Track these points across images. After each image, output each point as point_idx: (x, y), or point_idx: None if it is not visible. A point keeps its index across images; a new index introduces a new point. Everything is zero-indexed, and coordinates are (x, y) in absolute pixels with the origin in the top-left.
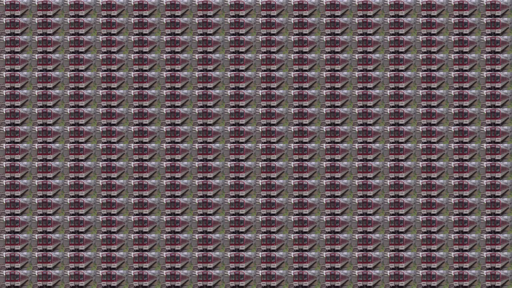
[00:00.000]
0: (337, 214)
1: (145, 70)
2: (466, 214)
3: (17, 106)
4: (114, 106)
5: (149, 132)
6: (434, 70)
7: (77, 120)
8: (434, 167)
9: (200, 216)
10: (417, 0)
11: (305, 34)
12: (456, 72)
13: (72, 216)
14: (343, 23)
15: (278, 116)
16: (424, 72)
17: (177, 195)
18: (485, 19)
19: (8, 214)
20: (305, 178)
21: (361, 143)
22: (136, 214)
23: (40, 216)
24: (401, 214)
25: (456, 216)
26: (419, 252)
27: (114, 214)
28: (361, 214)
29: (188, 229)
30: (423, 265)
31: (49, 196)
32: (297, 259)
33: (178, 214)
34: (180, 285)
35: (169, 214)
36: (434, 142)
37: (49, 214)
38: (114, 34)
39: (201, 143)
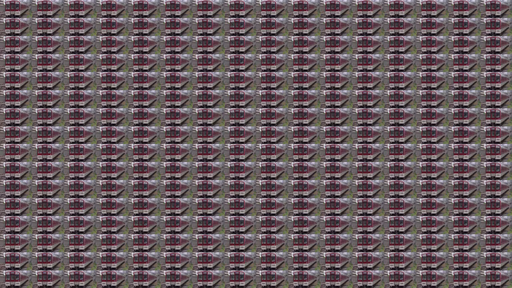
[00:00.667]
0: (337, 214)
1: (145, 70)
2: (466, 214)
3: (17, 106)
4: (114, 106)
5: (149, 132)
6: (434, 70)
7: (77, 120)
8: (434, 167)
9: (200, 216)
10: (417, 0)
11: (305, 34)
12: (456, 72)
13: (72, 216)
14: (343, 23)
15: (278, 116)
16: (424, 72)
17: (177, 195)
18: (485, 19)
19: (8, 214)
20: (305, 178)
21: (361, 143)
22: (136, 214)
23: (40, 216)
24: (401, 214)
25: (456, 216)
26: (419, 252)
27: (114, 214)
28: (361, 214)
29: (188, 229)
30: (423, 265)
31: (49, 196)
32: (297, 259)
33: (178, 214)
34: (180, 285)
35: (169, 214)
36: (434, 142)
37: (49, 214)
38: (114, 34)
39: (201, 143)
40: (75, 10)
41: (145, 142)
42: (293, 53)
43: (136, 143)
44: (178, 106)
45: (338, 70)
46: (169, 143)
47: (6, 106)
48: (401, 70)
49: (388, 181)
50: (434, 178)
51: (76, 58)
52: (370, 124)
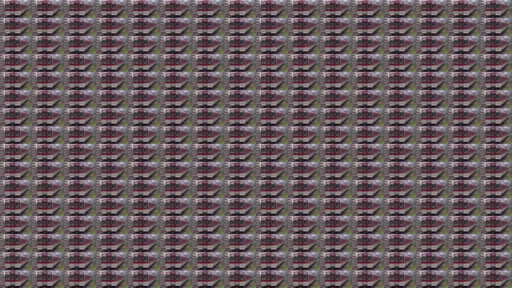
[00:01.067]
0: (337, 214)
1: (145, 70)
2: (466, 214)
3: (17, 106)
4: (114, 106)
5: (149, 132)
6: (434, 70)
7: (77, 120)
8: (434, 167)
9: (200, 216)
10: (417, 0)
11: (305, 34)
12: (456, 72)
13: (72, 216)
14: (343, 23)
15: (278, 116)
16: (424, 72)
17: (177, 195)
18: (485, 19)
19: (8, 214)
20: (305, 178)
21: (361, 143)
22: (136, 214)
23: (40, 216)
24: (401, 214)
25: (456, 216)
26: (419, 252)
27: (114, 214)
28: (361, 214)
29: (188, 229)
30: (423, 265)
31: (49, 196)
32: (297, 259)
33: (178, 214)
34: (180, 285)
35: (169, 214)
36: (434, 142)
37: (49, 214)
38: (114, 34)
39: (201, 143)
40: (75, 10)
41: (145, 142)
42: (293, 53)
43: (136, 143)
44: (178, 106)
45: (338, 70)
46: (169, 143)
47: (6, 106)
48: (401, 70)
49: (388, 181)
50: (434, 178)
51: (76, 58)
52: (370, 124)
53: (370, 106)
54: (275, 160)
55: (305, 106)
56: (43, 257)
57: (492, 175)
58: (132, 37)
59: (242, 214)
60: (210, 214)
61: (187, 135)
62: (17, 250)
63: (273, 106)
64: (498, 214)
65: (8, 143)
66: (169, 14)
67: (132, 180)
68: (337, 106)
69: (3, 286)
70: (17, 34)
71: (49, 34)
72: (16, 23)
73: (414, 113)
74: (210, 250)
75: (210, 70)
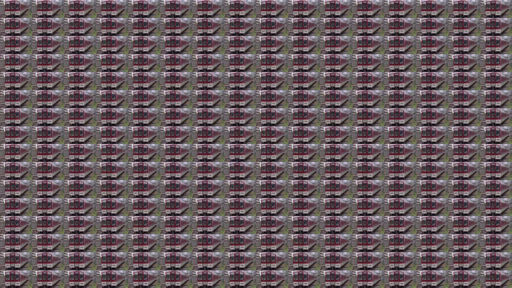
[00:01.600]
0: (337, 214)
1: (145, 70)
2: (466, 214)
3: (17, 106)
4: (114, 106)
5: (149, 132)
6: (434, 70)
7: (77, 120)
8: (434, 167)
9: (200, 216)
10: (417, 0)
11: (305, 34)
12: (456, 72)
13: (72, 216)
14: (343, 23)
15: (278, 116)
16: (424, 72)
17: (177, 195)
18: (485, 19)
19: (8, 214)
20: (305, 178)
21: (361, 143)
22: (136, 214)
23: (40, 216)
24: (401, 214)
25: (456, 216)
26: (419, 252)
27: (114, 214)
28: (361, 214)
29: (188, 229)
30: (423, 265)
31: (49, 196)
32: (297, 259)
33: (178, 214)
34: (180, 285)
35: (169, 214)
36: (434, 142)
37: (49, 214)
38: (114, 34)
39: (201, 143)
40: (75, 10)
41: (145, 142)
42: (293, 53)
43: (136, 143)
44: (178, 106)
45: (338, 70)
46: (169, 143)
47: (6, 106)
48: (401, 70)
49: (388, 181)
50: (434, 178)
51: (76, 58)
52: (370, 124)
53: (370, 106)
54: (275, 160)
55: (305, 106)
56: (43, 257)
57: (492, 175)
58: (132, 37)
59: (242, 214)
60: (210, 214)
61: (187, 135)
62: (17, 250)
63: (273, 106)
64: (498, 214)
65: (8, 143)
66: (169, 14)
67: (132, 180)
68: (337, 106)
69: (3, 286)
70: (17, 34)
71: (49, 34)
72: (16, 23)
73: (414, 113)
74: (210, 250)
75: (210, 70)
